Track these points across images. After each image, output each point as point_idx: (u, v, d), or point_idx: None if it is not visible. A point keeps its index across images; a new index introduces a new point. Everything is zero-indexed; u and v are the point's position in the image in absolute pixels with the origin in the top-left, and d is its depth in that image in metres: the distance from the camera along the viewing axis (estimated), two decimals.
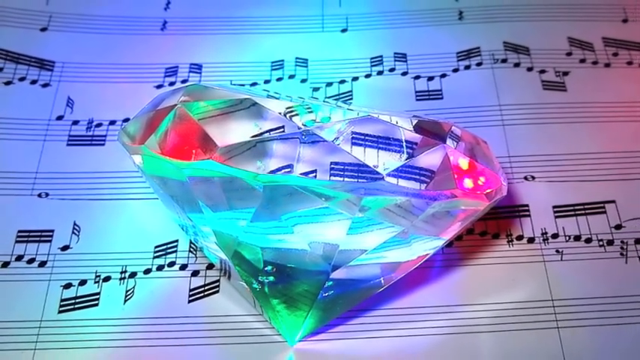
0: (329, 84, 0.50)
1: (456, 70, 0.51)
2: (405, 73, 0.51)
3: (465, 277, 0.41)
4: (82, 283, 0.41)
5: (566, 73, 0.50)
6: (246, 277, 0.37)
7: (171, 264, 0.42)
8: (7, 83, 0.50)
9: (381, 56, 0.52)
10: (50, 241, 0.43)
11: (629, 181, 0.45)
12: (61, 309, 0.40)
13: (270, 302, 0.37)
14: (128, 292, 0.41)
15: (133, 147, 0.37)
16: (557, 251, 0.42)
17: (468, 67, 0.51)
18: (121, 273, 0.41)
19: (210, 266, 0.42)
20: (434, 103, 0.49)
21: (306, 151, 0.34)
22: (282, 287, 0.37)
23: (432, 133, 0.36)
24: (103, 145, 0.47)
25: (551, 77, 0.50)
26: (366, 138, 0.35)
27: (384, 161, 0.35)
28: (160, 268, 0.42)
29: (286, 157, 0.34)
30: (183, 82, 0.51)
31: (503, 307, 0.40)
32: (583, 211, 0.44)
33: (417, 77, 0.51)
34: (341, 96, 0.50)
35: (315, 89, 0.50)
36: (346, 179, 0.34)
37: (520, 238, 0.43)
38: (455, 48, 0.52)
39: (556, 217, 0.44)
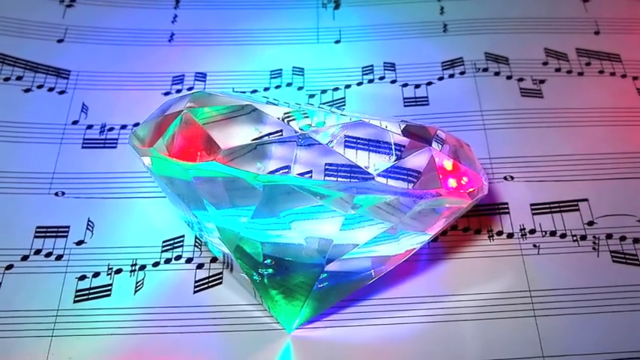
0: (324, 91, 0.50)
1: (441, 79, 0.51)
2: (393, 81, 0.51)
3: (449, 269, 0.41)
4: (96, 275, 0.41)
5: (542, 81, 0.50)
6: (247, 269, 0.37)
7: (178, 257, 0.42)
8: (27, 90, 0.50)
9: (371, 66, 0.52)
10: (66, 236, 0.43)
11: (601, 181, 0.45)
12: (76, 299, 0.40)
13: (270, 293, 0.37)
14: (138, 284, 0.41)
15: (143, 149, 0.37)
16: (535, 246, 0.42)
17: (452, 76, 0.51)
18: (132, 266, 0.42)
19: (214, 259, 0.42)
20: (420, 109, 0.49)
21: (302, 153, 0.34)
22: (280, 279, 0.37)
23: (418, 136, 0.36)
24: (115, 147, 0.47)
25: (529, 85, 0.50)
26: (358, 141, 0.35)
27: (375, 162, 0.35)
28: (168, 261, 0.42)
29: (284, 158, 0.34)
30: (189, 89, 0.50)
31: (484, 297, 0.40)
32: (558, 209, 0.44)
33: (405, 85, 0.51)
34: (335, 102, 0.50)
35: (311, 96, 0.50)
36: (339, 179, 0.34)
37: (500, 233, 0.43)
38: (440, 58, 0.52)
39: (533, 214, 0.44)
